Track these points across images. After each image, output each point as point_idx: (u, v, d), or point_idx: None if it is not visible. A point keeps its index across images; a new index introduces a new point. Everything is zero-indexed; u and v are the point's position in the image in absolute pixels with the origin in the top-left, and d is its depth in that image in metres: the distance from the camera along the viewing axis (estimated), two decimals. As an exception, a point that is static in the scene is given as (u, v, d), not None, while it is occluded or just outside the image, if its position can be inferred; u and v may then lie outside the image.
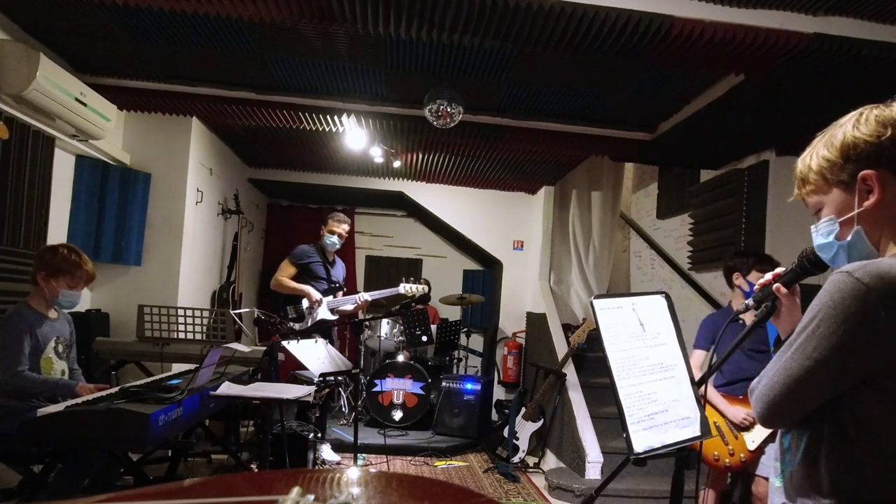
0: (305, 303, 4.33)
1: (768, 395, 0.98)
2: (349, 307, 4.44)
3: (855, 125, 0.99)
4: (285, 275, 4.36)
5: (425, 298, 3.94)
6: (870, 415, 0.90)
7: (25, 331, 2.54)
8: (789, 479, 1.00)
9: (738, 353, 2.83)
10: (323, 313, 4.32)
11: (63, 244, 2.75)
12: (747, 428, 2.75)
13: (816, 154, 1.03)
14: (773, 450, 1.08)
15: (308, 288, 4.30)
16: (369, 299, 4.40)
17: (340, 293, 4.51)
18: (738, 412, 2.76)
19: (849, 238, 1.00)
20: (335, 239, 4.41)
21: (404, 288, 4.35)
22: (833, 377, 0.91)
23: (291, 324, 4.15)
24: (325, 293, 4.38)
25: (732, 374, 2.85)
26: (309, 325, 4.27)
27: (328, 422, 5.00)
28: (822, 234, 1.04)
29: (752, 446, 2.71)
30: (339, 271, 4.60)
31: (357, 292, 4.59)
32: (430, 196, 6.24)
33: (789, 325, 1.16)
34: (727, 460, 2.75)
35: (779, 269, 1.16)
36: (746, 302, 1.23)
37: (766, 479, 2.62)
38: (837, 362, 0.90)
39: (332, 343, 4.04)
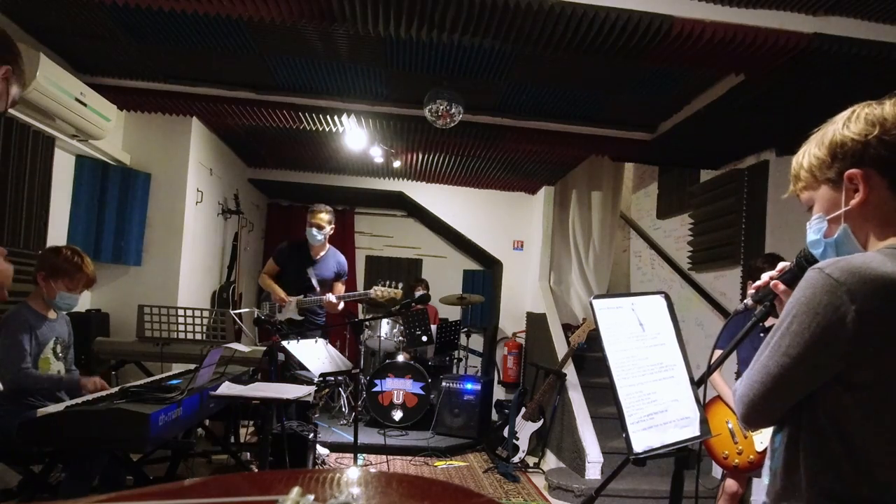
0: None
1: (747, 394, 0.99)
2: (318, 308, 4.32)
3: (845, 123, 0.99)
4: (266, 272, 4.38)
5: (425, 298, 3.91)
6: (843, 411, 0.90)
7: (26, 330, 2.55)
8: (774, 477, 1.01)
9: None
10: (290, 313, 4.22)
11: (67, 246, 2.75)
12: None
13: (809, 152, 1.05)
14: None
15: (274, 287, 4.24)
16: (334, 300, 4.21)
17: (315, 293, 4.29)
18: None
19: (835, 236, 1.01)
20: (314, 231, 4.20)
21: (375, 291, 4.22)
22: (808, 372, 0.92)
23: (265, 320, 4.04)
24: (298, 292, 4.24)
25: None
26: (277, 322, 4.15)
27: (328, 422, 5.01)
28: (813, 231, 1.06)
29: (759, 447, 2.71)
30: (325, 269, 4.34)
31: (354, 291, 4.55)
32: (430, 196, 6.24)
33: None
34: (736, 460, 2.75)
35: (773, 273, 1.16)
36: (746, 302, 1.23)
37: None
38: (811, 358, 0.90)
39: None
